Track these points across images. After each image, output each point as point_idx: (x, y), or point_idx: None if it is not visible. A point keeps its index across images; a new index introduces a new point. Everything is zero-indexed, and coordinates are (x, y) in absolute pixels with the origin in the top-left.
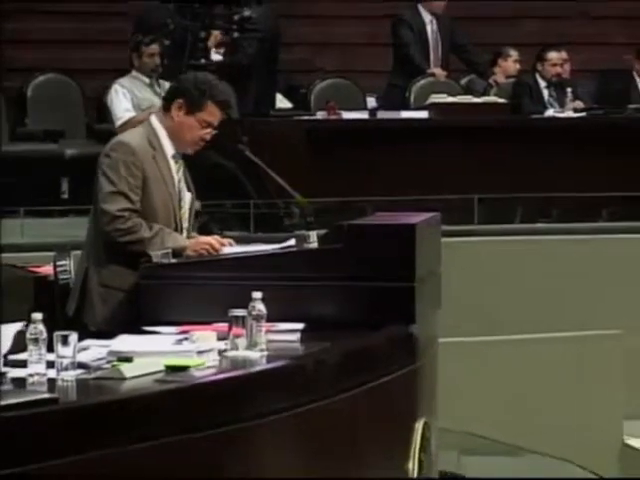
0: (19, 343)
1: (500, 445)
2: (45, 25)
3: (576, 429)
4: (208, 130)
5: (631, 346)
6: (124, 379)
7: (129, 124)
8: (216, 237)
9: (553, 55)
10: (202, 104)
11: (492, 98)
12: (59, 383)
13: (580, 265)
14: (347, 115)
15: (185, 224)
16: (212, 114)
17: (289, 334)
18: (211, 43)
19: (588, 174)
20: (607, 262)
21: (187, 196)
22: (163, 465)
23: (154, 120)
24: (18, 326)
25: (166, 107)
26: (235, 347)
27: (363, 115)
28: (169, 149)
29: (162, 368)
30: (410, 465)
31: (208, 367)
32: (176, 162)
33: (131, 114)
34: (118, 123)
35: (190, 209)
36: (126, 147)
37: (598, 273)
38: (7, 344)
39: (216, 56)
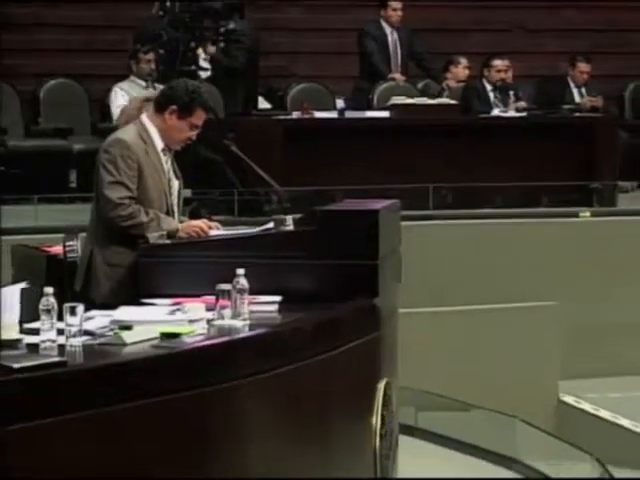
0: (32, 312)
1: (452, 401)
2: (55, 36)
3: (518, 388)
4: (195, 131)
5: (566, 316)
6: (125, 345)
7: (123, 114)
8: (205, 221)
9: (497, 63)
10: (192, 110)
11: (445, 100)
12: (68, 348)
13: (521, 245)
14: (319, 115)
15: (175, 208)
16: (199, 118)
17: (268, 305)
18: (200, 52)
19: (528, 166)
20: (545, 243)
21: (175, 183)
22: (159, 420)
23: (145, 119)
24: (19, 287)
25: (159, 110)
26: (221, 317)
27: (333, 115)
28: (159, 143)
29: (158, 335)
30: (374, 419)
31: (198, 334)
32: (165, 154)
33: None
34: (115, 118)
35: (179, 194)
36: (122, 143)
37: (537, 253)
38: (14, 304)
39: (204, 63)
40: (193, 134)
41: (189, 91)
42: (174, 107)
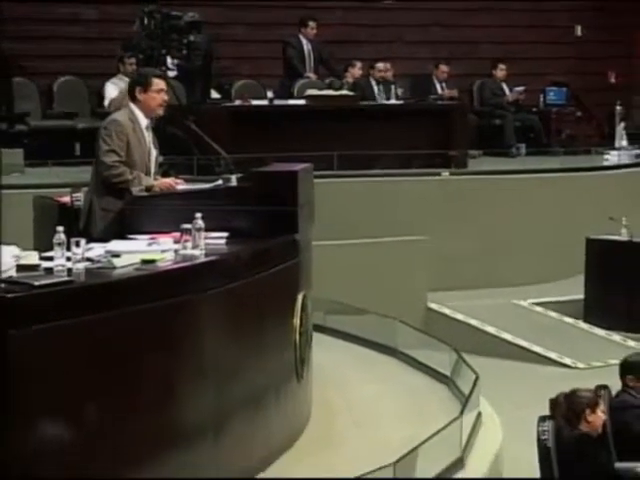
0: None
1: (350, 307)
2: (66, 46)
3: (398, 298)
4: (163, 93)
5: (432, 246)
6: (115, 268)
7: (113, 103)
8: (173, 179)
9: (379, 65)
10: (148, 82)
11: (345, 92)
12: (74, 271)
13: (399, 196)
14: (255, 102)
15: (152, 170)
16: (157, 84)
17: (218, 240)
18: (169, 57)
19: (405, 139)
20: (417, 195)
21: (154, 153)
22: (140, 322)
23: (132, 105)
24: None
25: (132, 97)
26: (185, 248)
27: (264, 102)
28: (143, 122)
29: (139, 261)
30: (294, 321)
31: (168, 260)
32: (147, 130)
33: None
34: (107, 103)
35: (156, 161)
36: (116, 122)
37: (411, 202)
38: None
39: (171, 66)
40: (164, 96)
41: (140, 74)
42: (138, 87)
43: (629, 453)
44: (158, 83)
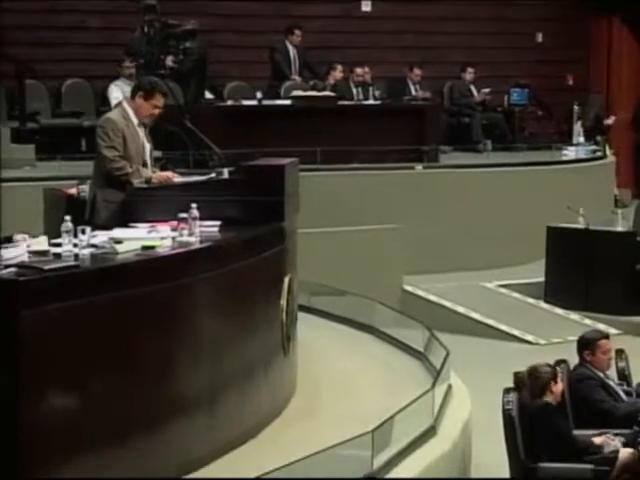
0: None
1: (333, 289)
2: (72, 51)
3: (376, 281)
4: (157, 110)
5: (406, 234)
6: (117, 253)
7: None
8: (170, 172)
9: (359, 71)
10: (153, 94)
11: (327, 93)
12: (80, 256)
13: (377, 188)
14: (245, 102)
15: (148, 162)
16: (158, 100)
17: (212, 227)
18: (168, 61)
19: (382, 136)
20: (393, 187)
21: (148, 146)
22: (140, 303)
23: (125, 104)
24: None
25: (132, 96)
26: (181, 235)
27: (254, 102)
28: (135, 120)
29: (139, 247)
30: (282, 301)
31: (166, 246)
32: (140, 127)
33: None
34: (113, 103)
35: (150, 154)
36: (111, 120)
37: (387, 193)
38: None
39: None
40: (156, 112)
41: (150, 82)
42: (141, 92)
43: (586, 422)
44: (159, 99)
